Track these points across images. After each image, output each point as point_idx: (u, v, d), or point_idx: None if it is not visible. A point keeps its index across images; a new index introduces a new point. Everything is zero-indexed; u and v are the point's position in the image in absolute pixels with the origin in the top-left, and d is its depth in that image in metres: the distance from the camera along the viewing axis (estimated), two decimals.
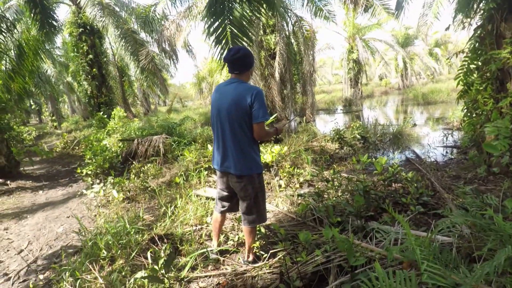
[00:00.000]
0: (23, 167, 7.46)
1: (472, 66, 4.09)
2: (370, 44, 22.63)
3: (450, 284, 1.29)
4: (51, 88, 15.07)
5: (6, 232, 3.87)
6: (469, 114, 4.19)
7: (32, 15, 6.03)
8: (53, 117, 21.12)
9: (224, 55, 2.24)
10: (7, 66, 5.01)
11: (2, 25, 4.93)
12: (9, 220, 4.28)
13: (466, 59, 4.09)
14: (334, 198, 3.18)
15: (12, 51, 6.50)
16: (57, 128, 19.81)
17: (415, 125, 9.20)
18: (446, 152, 5.82)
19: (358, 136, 6.54)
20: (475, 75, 4.12)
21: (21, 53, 6.29)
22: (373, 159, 3.57)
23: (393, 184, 3.40)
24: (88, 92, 11.92)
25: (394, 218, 2.47)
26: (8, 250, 3.34)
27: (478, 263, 1.67)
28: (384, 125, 8.83)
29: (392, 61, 28.78)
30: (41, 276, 2.71)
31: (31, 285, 2.50)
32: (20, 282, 2.67)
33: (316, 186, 3.84)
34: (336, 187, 3.50)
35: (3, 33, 4.96)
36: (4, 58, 4.96)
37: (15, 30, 6.19)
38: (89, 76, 11.73)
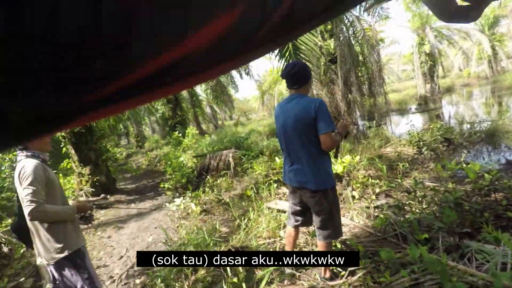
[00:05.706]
0: (118, 183, 8.66)
1: None
2: (444, 32, 20.14)
3: None
4: (135, 113, 17.27)
5: (109, 240, 4.53)
6: None
7: None
8: (138, 138, 24.18)
9: (281, 71, 2.30)
10: None
11: None
12: (111, 229, 5.00)
13: None
14: (418, 211, 2.87)
15: None
16: (141, 147, 22.55)
17: None
18: None
19: (441, 138, 5.83)
20: None
21: None
22: (463, 164, 3.14)
23: (492, 193, 2.92)
24: (166, 114, 13.32)
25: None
26: (111, 256, 3.89)
27: None
28: (472, 122, 7.70)
29: (474, 47, 25.08)
30: (137, 281, 3.09)
31: None
32: (122, 285, 3.08)
33: (395, 198, 3.54)
34: (420, 199, 3.17)
35: None
36: None
37: None
38: (165, 101, 13.13)
